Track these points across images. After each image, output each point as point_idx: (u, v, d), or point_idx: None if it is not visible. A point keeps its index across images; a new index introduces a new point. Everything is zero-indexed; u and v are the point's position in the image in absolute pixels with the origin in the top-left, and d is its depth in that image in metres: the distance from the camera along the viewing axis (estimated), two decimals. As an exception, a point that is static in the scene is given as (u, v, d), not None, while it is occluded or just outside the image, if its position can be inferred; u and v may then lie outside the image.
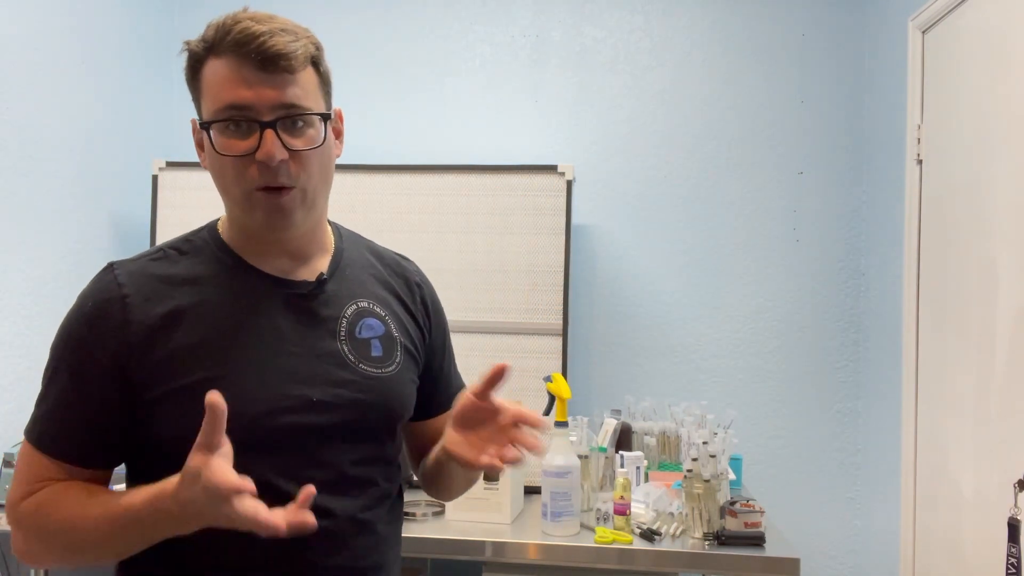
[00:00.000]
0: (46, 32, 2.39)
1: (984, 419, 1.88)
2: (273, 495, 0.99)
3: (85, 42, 2.56)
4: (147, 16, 2.89)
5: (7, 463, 2.09)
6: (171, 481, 0.89)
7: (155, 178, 2.65)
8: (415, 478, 1.29)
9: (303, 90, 1.00)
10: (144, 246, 2.73)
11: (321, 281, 1.08)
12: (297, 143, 1.00)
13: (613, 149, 2.88)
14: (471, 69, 2.94)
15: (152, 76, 2.92)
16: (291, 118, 0.99)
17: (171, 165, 2.65)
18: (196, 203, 2.61)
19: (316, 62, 1.03)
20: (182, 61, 1.06)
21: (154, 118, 2.93)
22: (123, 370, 0.98)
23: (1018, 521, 1.68)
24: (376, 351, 1.09)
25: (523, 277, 2.52)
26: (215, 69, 0.99)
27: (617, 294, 2.85)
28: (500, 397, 1.04)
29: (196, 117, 1.06)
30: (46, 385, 1.02)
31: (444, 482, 1.21)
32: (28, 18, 2.32)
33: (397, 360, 1.11)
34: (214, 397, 0.86)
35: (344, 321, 1.08)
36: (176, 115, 3.02)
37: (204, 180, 2.58)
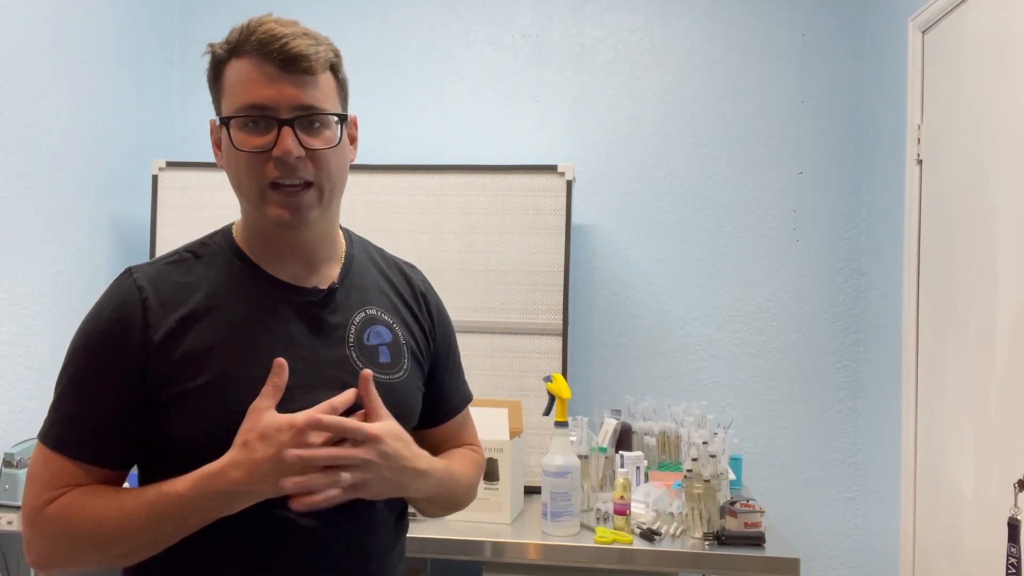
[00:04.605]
0: (46, 33, 2.38)
1: (984, 419, 1.88)
2: (279, 501, 0.99)
3: (86, 43, 2.56)
4: (147, 17, 2.89)
5: (7, 463, 2.09)
6: (221, 460, 0.93)
7: (155, 178, 2.64)
8: None
9: (322, 92, 1.03)
10: (144, 246, 2.73)
11: (332, 290, 1.09)
12: (314, 142, 1.02)
13: (613, 149, 2.88)
14: (471, 69, 2.94)
15: (152, 76, 2.92)
16: (308, 118, 1.01)
17: (171, 165, 2.65)
18: (196, 203, 2.61)
19: (335, 68, 1.07)
20: (193, 57, 1.08)
21: (154, 118, 2.93)
22: (142, 370, 0.99)
23: (1018, 521, 1.68)
24: (384, 358, 1.10)
25: (523, 277, 2.52)
26: (237, 69, 1.02)
27: (617, 294, 2.85)
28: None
29: (215, 118, 1.07)
30: (63, 389, 1.02)
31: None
32: (28, 19, 2.32)
33: (404, 367, 1.12)
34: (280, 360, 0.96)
35: (352, 328, 1.09)
36: (176, 115, 3.03)
37: (204, 180, 2.60)
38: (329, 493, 0.93)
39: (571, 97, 2.90)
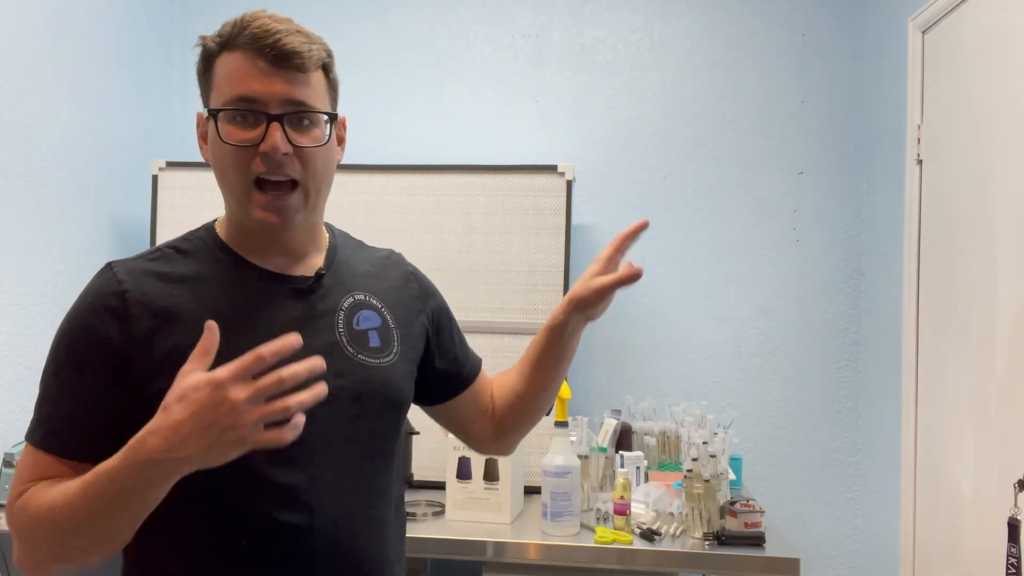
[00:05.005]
0: (46, 33, 2.38)
1: (984, 419, 1.88)
2: (274, 491, 0.99)
3: (85, 43, 2.56)
4: (147, 17, 2.89)
5: (7, 463, 2.09)
6: (144, 428, 0.87)
7: (155, 178, 2.64)
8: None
9: (312, 90, 1.03)
10: (144, 246, 2.73)
11: (319, 276, 1.09)
12: (302, 140, 1.02)
13: (613, 149, 2.88)
14: (471, 69, 2.94)
15: (152, 76, 2.92)
16: (298, 115, 1.01)
17: (171, 165, 2.65)
18: (196, 203, 2.61)
19: (327, 68, 1.07)
20: (192, 57, 1.07)
21: (154, 118, 2.93)
22: (125, 363, 0.97)
23: (1018, 521, 1.68)
24: (374, 342, 1.10)
25: (523, 277, 2.51)
26: (228, 61, 1.01)
27: (617, 294, 2.83)
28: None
29: (202, 111, 1.07)
30: (47, 386, 1.00)
31: (534, 395, 1.26)
32: (28, 19, 2.32)
33: (395, 351, 1.13)
34: (211, 323, 0.88)
35: (341, 313, 1.09)
36: (176, 115, 3.03)
37: (204, 180, 2.60)
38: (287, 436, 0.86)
39: (571, 97, 2.90)
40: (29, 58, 2.32)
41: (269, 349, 0.85)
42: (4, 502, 2.04)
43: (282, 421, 0.86)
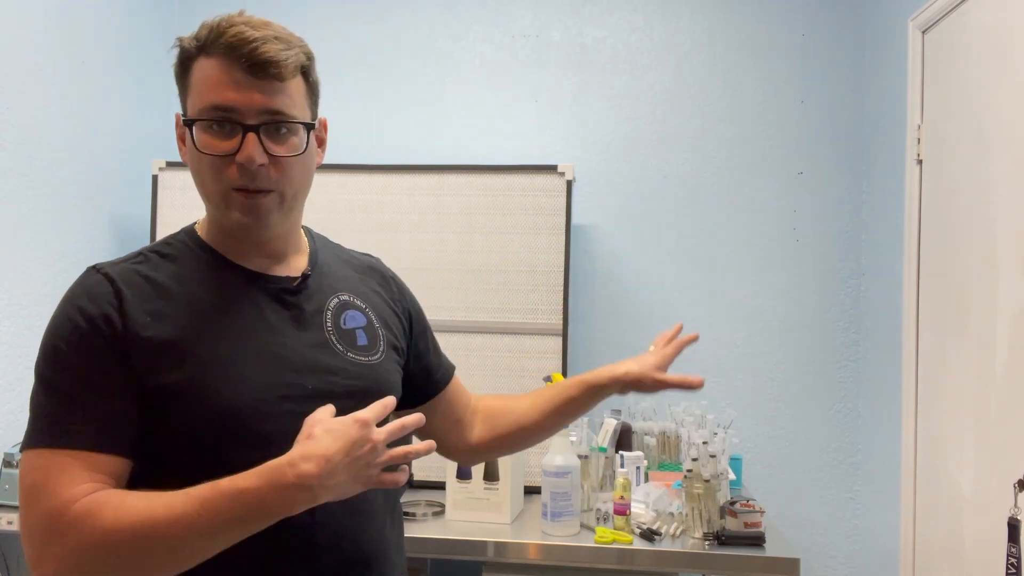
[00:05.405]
0: (46, 33, 2.38)
1: (984, 419, 1.89)
2: None
3: (85, 43, 2.56)
4: (147, 16, 2.89)
5: (7, 463, 2.09)
6: (286, 455, 0.89)
7: (155, 178, 2.65)
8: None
9: (290, 98, 1.02)
10: (144, 246, 2.73)
11: (305, 277, 1.11)
12: (279, 149, 1.01)
13: (613, 149, 2.88)
14: (471, 69, 2.94)
15: (152, 76, 2.92)
16: (275, 124, 1.00)
17: (171, 165, 2.65)
18: (196, 203, 2.56)
19: (306, 72, 1.05)
20: (173, 55, 1.05)
21: (154, 118, 2.93)
22: (125, 354, 0.95)
23: (1018, 521, 1.68)
24: (362, 340, 1.12)
25: (523, 277, 2.51)
26: (204, 68, 1.00)
27: (617, 294, 2.85)
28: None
29: (180, 111, 1.07)
30: (49, 388, 0.95)
31: (540, 431, 1.33)
32: (28, 19, 2.32)
33: (381, 348, 1.14)
34: None
35: (328, 313, 1.10)
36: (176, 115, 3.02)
37: (204, 180, 2.59)
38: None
39: (571, 97, 2.90)
40: (29, 58, 2.32)
41: (393, 399, 0.99)
42: (6, 502, 2.05)
43: (394, 466, 0.96)
